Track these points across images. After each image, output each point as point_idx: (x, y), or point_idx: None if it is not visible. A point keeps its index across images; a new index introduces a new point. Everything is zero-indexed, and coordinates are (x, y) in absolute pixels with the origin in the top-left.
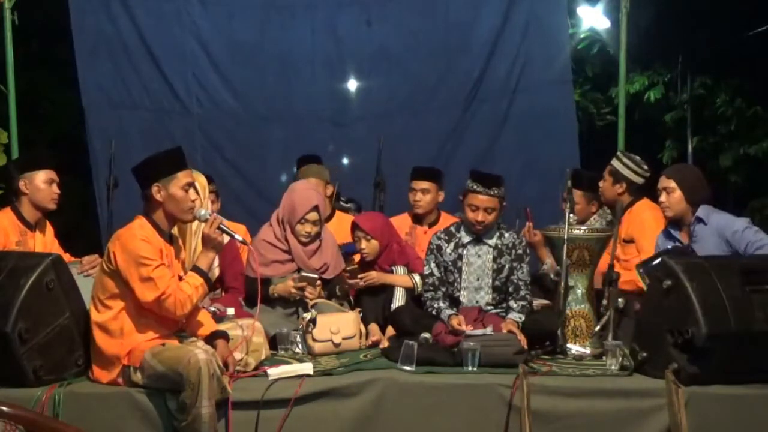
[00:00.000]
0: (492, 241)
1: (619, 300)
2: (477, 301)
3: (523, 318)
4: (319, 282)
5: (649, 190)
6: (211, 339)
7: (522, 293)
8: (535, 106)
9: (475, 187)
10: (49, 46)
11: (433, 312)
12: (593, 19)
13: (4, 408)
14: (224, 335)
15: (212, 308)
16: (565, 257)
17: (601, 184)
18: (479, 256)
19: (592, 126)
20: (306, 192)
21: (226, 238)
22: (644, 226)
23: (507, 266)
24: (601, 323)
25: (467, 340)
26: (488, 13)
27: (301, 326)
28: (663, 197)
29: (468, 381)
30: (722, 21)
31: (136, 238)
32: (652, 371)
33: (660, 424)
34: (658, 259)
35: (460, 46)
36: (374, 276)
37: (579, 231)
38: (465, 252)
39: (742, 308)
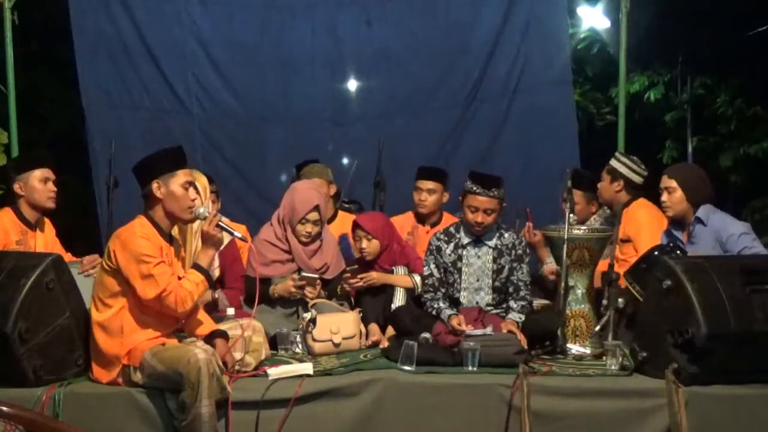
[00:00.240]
0: (492, 242)
1: (619, 300)
2: (477, 302)
3: (523, 318)
4: (319, 282)
5: (646, 190)
6: (210, 338)
7: (522, 293)
8: (535, 106)
9: (474, 188)
10: (49, 46)
11: (433, 312)
12: (593, 19)
13: (4, 408)
14: (224, 334)
15: (217, 294)
16: (565, 257)
17: (599, 184)
18: (479, 257)
19: (592, 126)
20: (307, 192)
21: (225, 236)
22: (640, 225)
23: (507, 267)
24: (601, 323)
25: (467, 340)
26: (488, 13)
27: (301, 326)
28: (664, 197)
29: (468, 381)
30: (722, 21)
31: (136, 235)
32: (652, 371)
33: (660, 424)
34: (643, 264)
35: (460, 46)
36: (374, 276)
37: (579, 231)
38: (465, 253)
39: (742, 308)
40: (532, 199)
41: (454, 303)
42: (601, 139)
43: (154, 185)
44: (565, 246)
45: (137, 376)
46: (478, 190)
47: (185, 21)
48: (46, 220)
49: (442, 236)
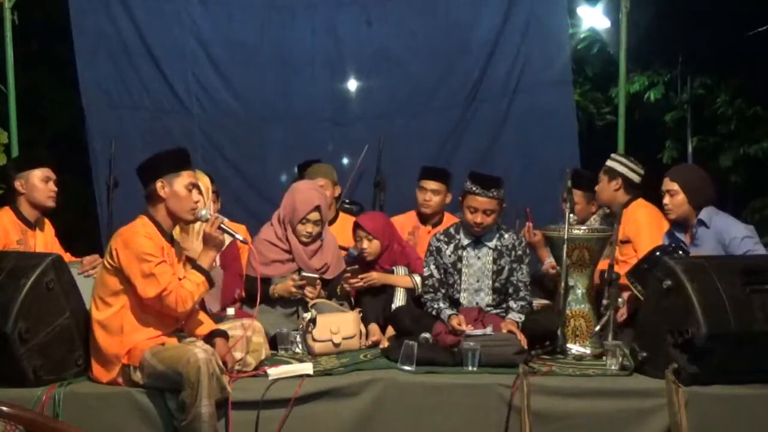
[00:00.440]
0: (492, 243)
1: (619, 300)
2: (477, 303)
3: (523, 318)
4: (319, 282)
5: (645, 190)
6: (210, 337)
7: (522, 294)
8: (535, 106)
9: (473, 188)
10: (49, 46)
11: (433, 313)
12: (593, 19)
13: (4, 408)
14: (223, 334)
15: (216, 266)
16: (565, 257)
17: (597, 187)
18: (479, 258)
19: (592, 126)
20: (308, 192)
21: (227, 238)
22: (639, 226)
23: (507, 268)
24: (601, 323)
25: (467, 340)
26: (488, 13)
27: (301, 326)
28: (666, 199)
29: (468, 381)
30: (722, 21)
31: (138, 234)
32: (652, 371)
33: (660, 424)
34: (645, 264)
35: (460, 46)
36: (375, 277)
37: (579, 231)
38: (465, 254)
39: (742, 308)
40: (532, 199)
41: (455, 304)
42: (601, 139)
43: (158, 184)
44: (565, 246)
45: (137, 376)
46: (477, 191)
47: (185, 21)
48: (46, 220)
49: (442, 237)
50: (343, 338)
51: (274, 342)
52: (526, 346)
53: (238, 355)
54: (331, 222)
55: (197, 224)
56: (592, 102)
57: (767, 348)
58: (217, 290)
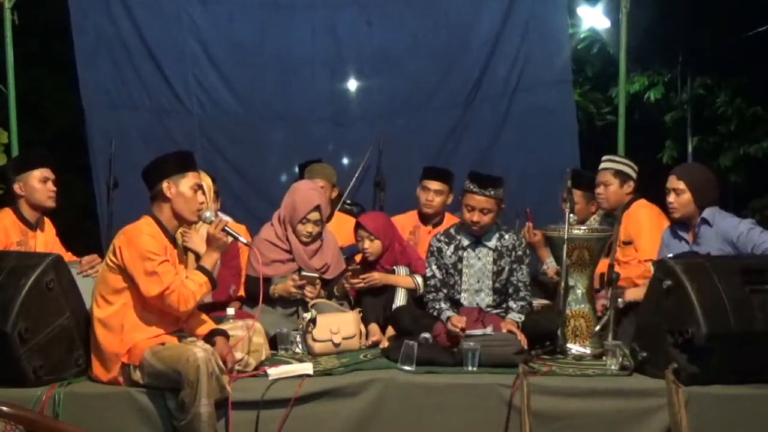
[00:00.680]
0: (492, 243)
1: (619, 300)
2: (477, 303)
3: (523, 318)
4: (318, 282)
5: (643, 191)
6: (210, 336)
7: (522, 294)
8: (535, 106)
9: (471, 187)
10: (49, 46)
11: (434, 313)
12: (593, 19)
13: (4, 408)
14: (224, 333)
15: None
16: (565, 257)
17: (601, 191)
18: (479, 258)
19: (592, 126)
20: (308, 192)
21: (230, 239)
22: (641, 227)
23: (507, 268)
24: (601, 323)
25: (467, 340)
26: (488, 13)
27: (301, 326)
28: (671, 198)
29: (468, 381)
30: (722, 21)
31: (142, 233)
32: (652, 371)
33: (660, 424)
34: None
35: (460, 46)
36: (376, 277)
37: (579, 231)
38: (465, 255)
39: (742, 308)
40: (532, 199)
41: (455, 304)
42: (601, 139)
43: (164, 185)
44: (565, 246)
45: (137, 375)
46: (474, 189)
47: (185, 21)
48: (46, 220)
49: (442, 238)
50: (343, 338)
51: (274, 342)
52: (526, 346)
53: (238, 355)
54: (326, 221)
55: (202, 227)
56: (592, 102)
57: (767, 348)
58: None
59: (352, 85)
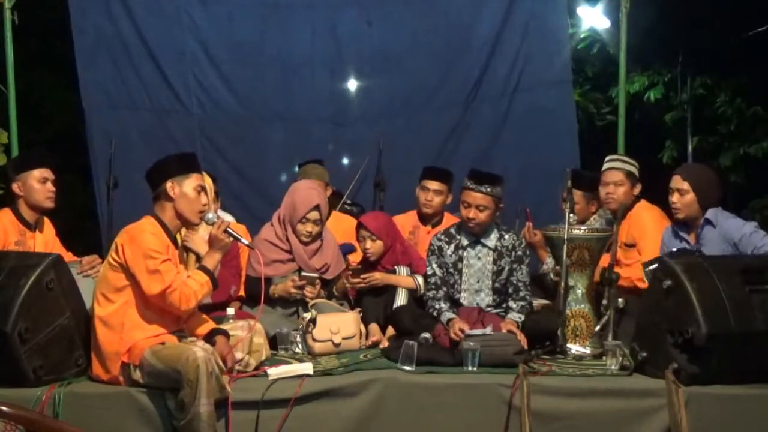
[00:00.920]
0: (492, 243)
1: (619, 300)
2: (477, 303)
3: (523, 318)
4: (318, 282)
5: (645, 190)
6: (210, 336)
7: (522, 294)
8: (535, 106)
9: (468, 183)
10: (49, 46)
11: (434, 313)
12: (593, 19)
13: (4, 408)
14: (224, 333)
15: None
16: (565, 257)
17: (611, 190)
18: (479, 258)
19: (592, 126)
20: (308, 191)
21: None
22: (645, 229)
23: (507, 268)
24: (601, 323)
25: (467, 340)
26: (488, 13)
27: (301, 326)
28: (675, 198)
29: (468, 381)
30: (722, 21)
31: (145, 231)
32: (652, 371)
33: (660, 424)
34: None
35: (460, 46)
36: (377, 277)
37: (579, 231)
38: (465, 254)
39: (742, 308)
40: (532, 199)
41: (455, 304)
42: (601, 139)
43: (168, 184)
44: (565, 246)
45: (137, 375)
46: (471, 186)
47: (185, 21)
48: (46, 220)
49: (443, 237)
50: (343, 338)
51: (274, 342)
52: (526, 346)
53: (239, 355)
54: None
55: (204, 229)
56: (592, 102)
57: (767, 348)
58: None
59: (352, 85)
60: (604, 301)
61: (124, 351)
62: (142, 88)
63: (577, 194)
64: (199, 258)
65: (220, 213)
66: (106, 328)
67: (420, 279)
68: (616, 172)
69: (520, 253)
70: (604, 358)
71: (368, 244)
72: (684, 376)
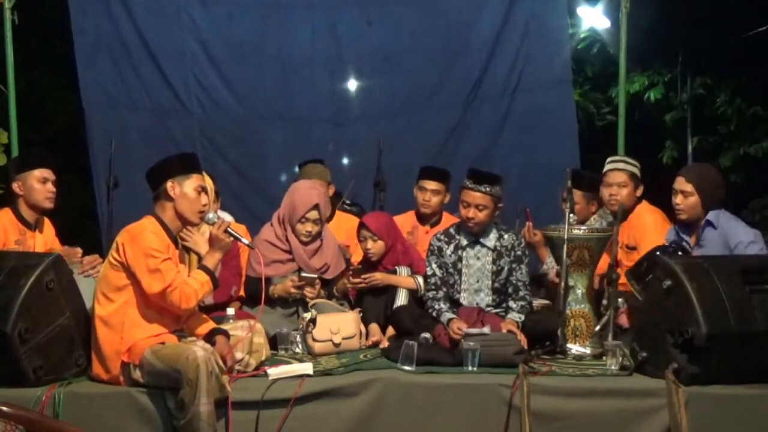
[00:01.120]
0: (491, 243)
1: (619, 300)
2: (477, 303)
3: (523, 318)
4: (318, 282)
5: (645, 191)
6: (210, 336)
7: (521, 293)
8: (535, 106)
9: (466, 182)
10: (49, 46)
11: (434, 313)
12: (593, 19)
13: (4, 408)
14: (224, 332)
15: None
16: (565, 257)
17: (615, 191)
18: (478, 258)
19: (592, 126)
20: (307, 191)
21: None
22: (646, 232)
23: (506, 268)
24: (601, 323)
25: (467, 340)
26: (488, 13)
27: (301, 326)
28: (678, 199)
29: (468, 381)
30: (722, 21)
31: (146, 230)
32: (652, 371)
33: (660, 424)
34: (645, 264)
35: (460, 46)
36: (378, 277)
37: (579, 231)
38: (464, 254)
39: (742, 308)
40: (532, 199)
41: (455, 304)
42: (601, 139)
43: (169, 184)
44: (565, 246)
45: (137, 374)
46: (470, 185)
47: (185, 21)
48: (46, 220)
49: (442, 237)
50: (343, 338)
51: (274, 342)
52: (526, 346)
53: (239, 355)
54: (327, 220)
55: (205, 229)
56: (592, 102)
57: (767, 348)
58: None
59: (352, 85)
60: (604, 301)
61: (125, 350)
62: (142, 88)
63: (577, 194)
64: (200, 258)
65: (220, 213)
66: (107, 327)
67: (420, 279)
68: (620, 173)
69: (519, 252)
70: (604, 358)
71: (369, 244)
72: (684, 376)
